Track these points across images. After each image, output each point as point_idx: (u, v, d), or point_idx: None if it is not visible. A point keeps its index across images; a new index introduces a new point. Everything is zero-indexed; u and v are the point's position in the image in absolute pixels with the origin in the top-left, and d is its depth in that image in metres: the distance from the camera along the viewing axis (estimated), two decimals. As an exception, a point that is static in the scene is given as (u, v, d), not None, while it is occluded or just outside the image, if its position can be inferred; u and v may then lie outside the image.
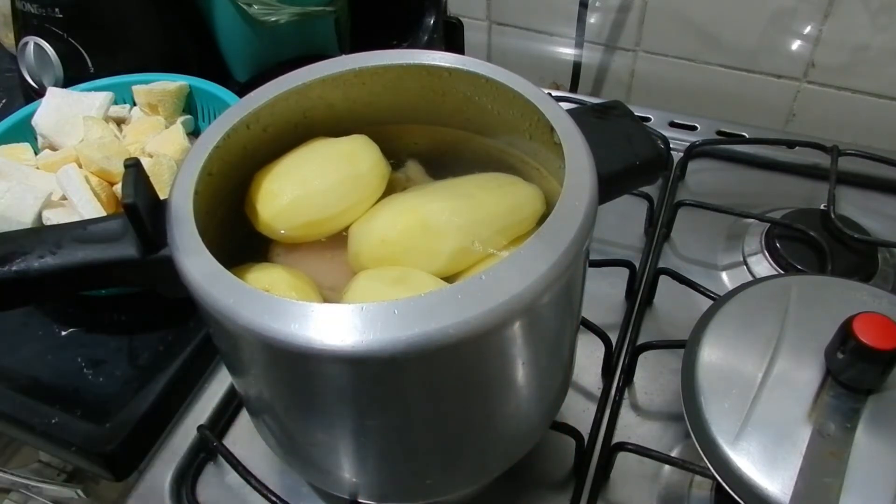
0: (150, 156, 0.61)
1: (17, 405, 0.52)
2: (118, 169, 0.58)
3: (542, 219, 0.42)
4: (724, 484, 0.39)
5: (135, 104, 0.68)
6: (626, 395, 0.54)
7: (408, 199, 0.42)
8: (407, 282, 0.38)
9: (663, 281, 0.60)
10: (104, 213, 0.56)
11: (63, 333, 0.58)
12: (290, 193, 0.41)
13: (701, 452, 0.41)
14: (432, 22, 0.84)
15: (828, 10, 0.73)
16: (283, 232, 0.42)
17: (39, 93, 0.69)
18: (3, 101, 0.84)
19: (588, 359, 0.56)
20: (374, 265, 0.40)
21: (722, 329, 0.45)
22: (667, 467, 0.50)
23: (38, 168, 0.61)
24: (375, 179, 0.43)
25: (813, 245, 0.62)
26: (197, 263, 0.33)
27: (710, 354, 0.44)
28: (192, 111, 0.68)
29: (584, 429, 0.50)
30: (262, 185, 0.42)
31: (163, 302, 0.57)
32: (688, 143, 0.74)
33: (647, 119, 0.78)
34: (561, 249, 0.33)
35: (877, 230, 0.66)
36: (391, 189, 0.44)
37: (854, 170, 0.70)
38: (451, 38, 0.89)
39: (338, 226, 0.42)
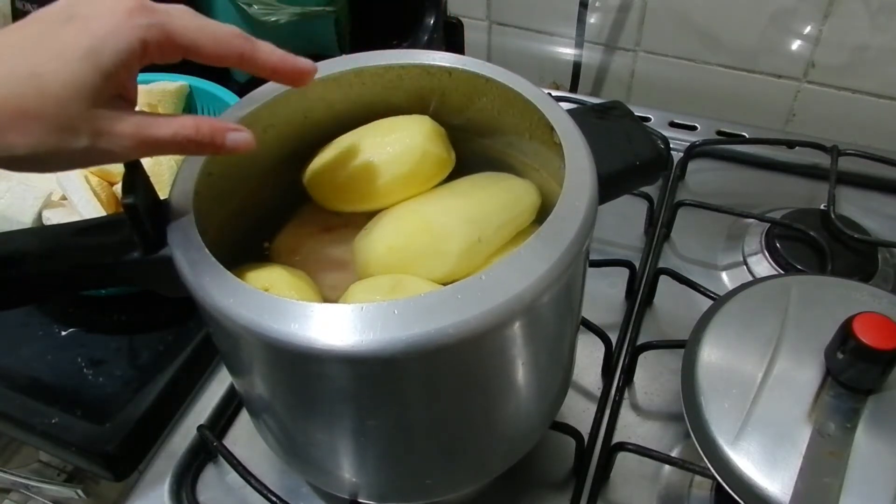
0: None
1: (17, 405, 0.52)
2: (118, 169, 0.58)
3: (540, 211, 0.42)
4: (724, 484, 0.39)
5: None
6: (626, 395, 0.54)
7: (408, 204, 0.42)
8: (403, 289, 0.38)
9: (663, 281, 0.60)
10: (104, 213, 0.56)
11: (63, 333, 0.58)
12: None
13: (701, 452, 0.41)
14: (432, 22, 0.84)
15: (828, 10, 0.73)
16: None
17: (39, 93, 0.69)
18: (3, 101, 0.84)
19: (588, 359, 0.56)
20: (384, 273, 0.40)
21: (722, 329, 0.45)
22: (667, 467, 0.50)
23: (38, 168, 0.61)
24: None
25: (813, 245, 0.62)
26: (197, 263, 0.33)
27: (710, 354, 0.44)
28: (192, 111, 0.68)
29: (584, 429, 0.50)
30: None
31: (163, 302, 0.57)
32: (688, 143, 0.74)
33: (647, 119, 0.78)
34: (561, 249, 0.33)
35: (877, 230, 0.66)
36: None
37: (854, 170, 0.70)
38: (451, 38, 0.89)
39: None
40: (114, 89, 0.31)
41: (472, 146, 0.46)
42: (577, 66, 0.88)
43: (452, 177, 0.44)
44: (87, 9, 0.31)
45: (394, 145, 0.42)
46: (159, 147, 0.32)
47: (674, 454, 0.50)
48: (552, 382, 0.43)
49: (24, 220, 0.56)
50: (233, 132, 0.34)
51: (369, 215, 0.43)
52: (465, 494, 0.49)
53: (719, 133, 0.76)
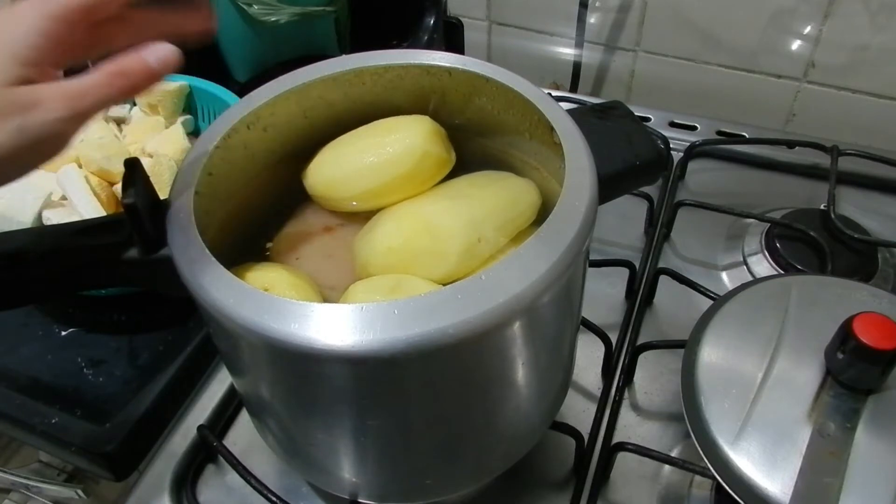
0: (150, 156, 0.61)
1: (17, 405, 0.52)
2: (118, 169, 0.58)
3: (540, 210, 0.42)
4: (724, 484, 0.39)
5: (135, 104, 0.68)
6: (626, 395, 0.54)
7: (407, 204, 0.42)
8: (403, 289, 0.38)
9: (663, 281, 0.60)
10: (104, 213, 0.56)
11: (63, 333, 0.58)
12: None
13: (701, 452, 0.41)
14: (432, 22, 0.84)
15: (828, 10, 0.73)
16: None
17: (39, 93, 0.69)
18: (3, 101, 0.84)
19: (588, 359, 0.56)
20: (384, 273, 0.40)
21: (722, 329, 0.45)
22: (667, 467, 0.50)
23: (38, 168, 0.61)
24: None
25: (813, 245, 0.62)
26: (197, 263, 0.33)
27: (710, 354, 0.44)
28: (192, 111, 0.68)
29: (584, 429, 0.50)
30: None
31: (163, 302, 0.57)
32: (688, 143, 0.74)
33: (647, 119, 0.78)
34: (561, 249, 0.33)
35: (877, 230, 0.66)
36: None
37: (854, 170, 0.70)
38: (451, 38, 0.89)
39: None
40: (37, 75, 0.30)
41: (472, 146, 0.46)
42: (577, 66, 0.88)
43: (452, 176, 0.44)
44: None
45: (394, 145, 0.42)
46: (91, 96, 0.31)
47: (674, 454, 0.50)
48: (552, 382, 0.43)
49: (24, 220, 0.56)
50: (153, 51, 0.32)
51: (369, 215, 0.43)
52: (465, 494, 0.49)
53: (719, 133, 0.76)
